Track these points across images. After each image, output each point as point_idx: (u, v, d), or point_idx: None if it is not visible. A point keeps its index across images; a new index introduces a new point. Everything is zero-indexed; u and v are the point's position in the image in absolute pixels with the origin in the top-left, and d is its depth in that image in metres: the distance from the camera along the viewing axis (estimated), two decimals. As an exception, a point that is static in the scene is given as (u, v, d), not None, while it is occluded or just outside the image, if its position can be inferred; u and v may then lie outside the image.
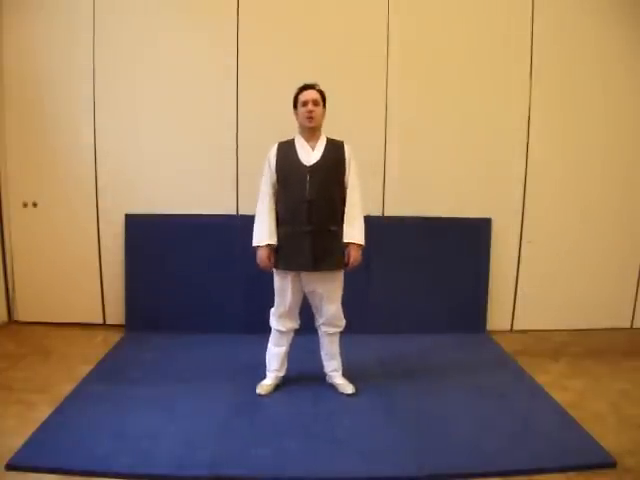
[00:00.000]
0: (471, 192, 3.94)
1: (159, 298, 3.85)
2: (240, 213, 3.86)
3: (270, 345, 3.01)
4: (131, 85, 3.79)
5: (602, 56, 3.88)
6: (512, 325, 4.13)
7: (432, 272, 3.91)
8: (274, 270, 2.88)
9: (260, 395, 2.93)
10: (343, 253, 2.82)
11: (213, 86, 3.80)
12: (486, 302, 3.99)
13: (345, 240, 2.80)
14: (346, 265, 2.83)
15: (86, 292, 3.98)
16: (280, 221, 2.82)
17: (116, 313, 3.98)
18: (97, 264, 3.96)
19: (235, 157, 3.86)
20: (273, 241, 2.80)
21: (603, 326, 4.13)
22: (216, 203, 3.86)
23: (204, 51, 3.78)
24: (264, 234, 2.80)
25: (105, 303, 4.01)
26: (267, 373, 3.02)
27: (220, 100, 3.81)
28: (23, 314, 4.04)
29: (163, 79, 3.78)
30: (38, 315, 4.01)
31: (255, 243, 2.82)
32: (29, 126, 3.83)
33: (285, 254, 2.81)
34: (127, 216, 3.86)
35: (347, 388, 2.98)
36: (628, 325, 4.19)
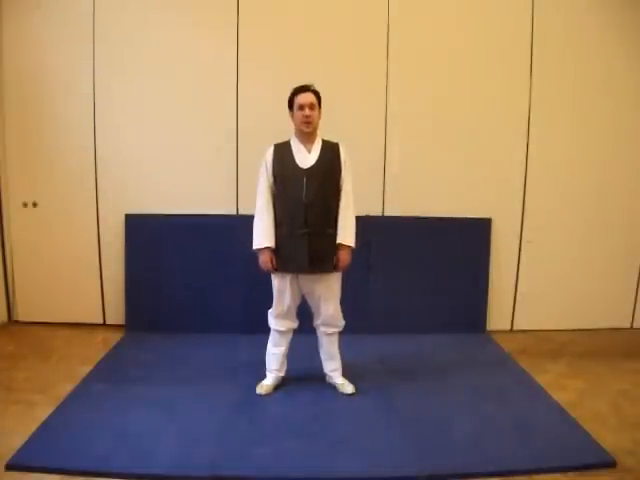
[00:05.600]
0: (471, 192, 3.93)
1: (159, 298, 3.84)
2: (240, 213, 3.86)
3: (269, 345, 3.01)
4: (131, 85, 3.80)
5: (602, 55, 3.88)
6: (512, 325, 4.13)
7: (432, 272, 3.91)
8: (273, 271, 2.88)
9: (260, 395, 2.93)
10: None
11: (213, 86, 3.80)
12: (486, 302, 3.99)
13: (338, 242, 2.81)
14: (335, 266, 2.84)
15: (86, 292, 3.98)
16: (278, 223, 2.83)
17: (116, 313, 3.98)
18: (97, 264, 3.96)
19: (235, 157, 3.86)
20: (272, 244, 2.81)
21: (603, 326, 4.13)
22: (216, 203, 3.86)
23: (204, 51, 3.78)
24: (263, 237, 2.80)
25: (105, 303, 4.01)
26: (267, 373, 3.02)
27: (220, 100, 3.81)
28: (23, 314, 4.04)
29: (163, 79, 3.78)
30: (38, 315, 4.01)
31: (255, 246, 2.83)
32: (29, 126, 3.83)
33: (283, 256, 2.82)
34: (127, 216, 3.86)
35: (347, 388, 2.98)
36: (628, 325, 4.19)
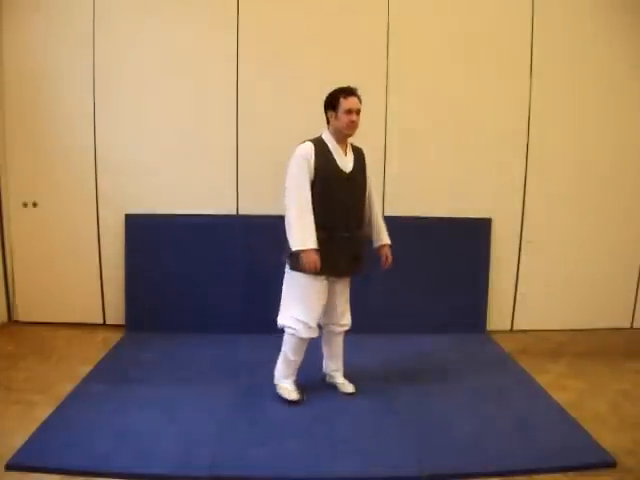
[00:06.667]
0: (471, 192, 3.94)
1: (159, 298, 3.84)
2: (240, 213, 3.85)
3: (289, 353, 2.83)
4: (131, 85, 3.79)
5: (603, 55, 3.88)
6: (512, 325, 4.13)
7: (432, 272, 3.91)
8: (302, 274, 2.70)
9: (295, 401, 2.82)
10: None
11: (213, 86, 3.80)
12: (486, 302, 3.99)
13: (381, 243, 2.92)
14: (383, 266, 2.92)
15: (86, 292, 3.98)
16: (317, 225, 2.68)
17: (116, 313, 3.98)
18: (97, 264, 3.96)
19: (235, 157, 3.85)
20: (316, 244, 2.65)
21: (603, 326, 4.13)
22: (216, 203, 3.85)
23: (205, 51, 3.77)
24: (309, 237, 2.64)
25: (105, 303, 4.01)
26: (283, 380, 2.89)
27: (220, 100, 3.80)
28: (23, 314, 4.04)
29: (163, 79, 3.78)
30: (38, 315, 4.01)
31: (298, 247, 2.63)
32: (29, 126, 3.83)
33: (323, 259, 2.66)
34: (127, 216, 3.85)
35: (347, 388, 2.98)
36: (628, 325, 4.19)
